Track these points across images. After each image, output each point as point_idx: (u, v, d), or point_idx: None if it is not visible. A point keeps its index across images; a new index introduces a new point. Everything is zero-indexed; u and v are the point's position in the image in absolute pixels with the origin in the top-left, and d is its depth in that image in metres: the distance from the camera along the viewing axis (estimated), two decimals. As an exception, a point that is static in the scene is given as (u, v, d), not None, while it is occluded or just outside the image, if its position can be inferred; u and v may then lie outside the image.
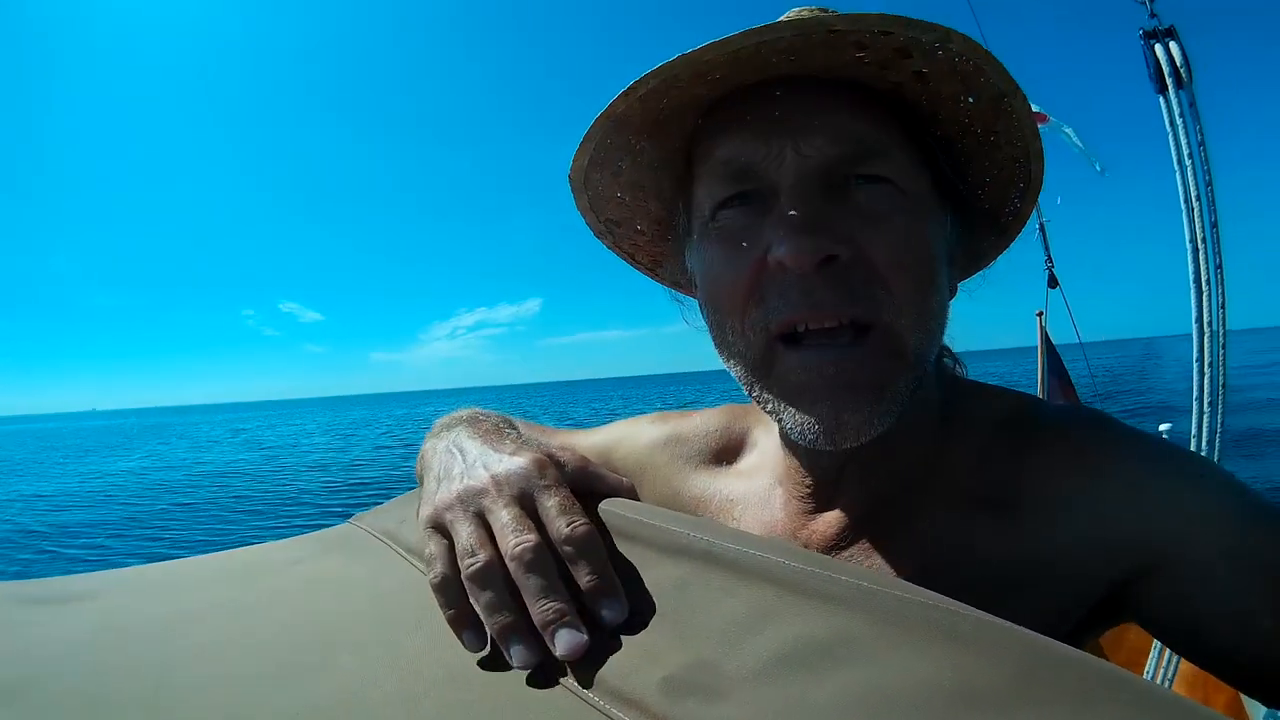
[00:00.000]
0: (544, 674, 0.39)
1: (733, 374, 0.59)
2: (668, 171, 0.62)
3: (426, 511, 0.50)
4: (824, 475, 0.62)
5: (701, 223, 0.57)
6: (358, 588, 0.56)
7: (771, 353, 0.53)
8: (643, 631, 0.40)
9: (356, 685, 0.41)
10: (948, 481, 0.58)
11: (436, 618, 0.46)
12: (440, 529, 0.48)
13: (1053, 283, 4.42)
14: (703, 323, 0.62)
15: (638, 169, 0.62)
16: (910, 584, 0.35)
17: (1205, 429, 1.94)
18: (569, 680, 0.38)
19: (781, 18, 0.51)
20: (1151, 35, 2.32)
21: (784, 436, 0.65)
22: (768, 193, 0.53)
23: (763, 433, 0.74)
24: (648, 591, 0.42)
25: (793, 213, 0.50)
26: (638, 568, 0.44)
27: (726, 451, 0.75)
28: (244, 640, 0.49)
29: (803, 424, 0.52)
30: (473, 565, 0.43)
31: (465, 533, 0.46)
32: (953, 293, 0.60)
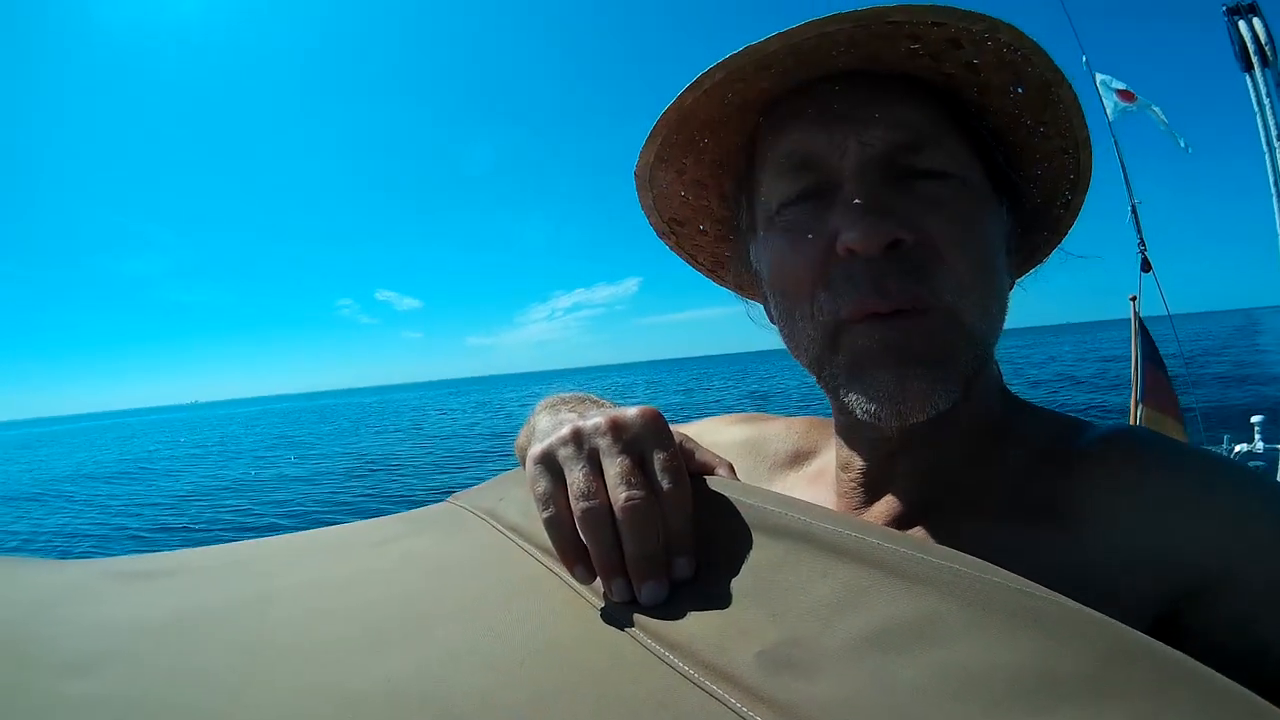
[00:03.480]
0: (641, 649, 0.40)
1: (802, 364, 0.59)
2: (729, 169, 0.64)
3: (539, 448, 0.50)
4: (873, 468, 0.62)
5: (767, 217, 0.58)
6: (454, 563, 0.56)
7: (839, 330, 0.54)
8: (739, 609, 0.40)
9: (451, 655, 0.41)
10: (994, 492, 0.57)
11: (536, 592, 0.47)
12: (551, 465, 0.49)
13: (1146, 267, 4.24)
14: (766, 320, 0.63)
15: (700, 166, 0.64)
16: (998, 568, 0.36)
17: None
18: (666, 654, 0.38)
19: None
20: (1235, 11, 2.26)
21: (839, 426, 0.66)
22: (830, 184, 0.54)
23: (833, 444, 0.73)
24: (745, 569, 0.42)
25: (858, 200, 0.52)
26: (736, 545, 0.44)
27: (799, 458, 0.76)
28: (336, 613, 0.49)
29: (868, 394, 0.53)
30: (586, 508, 0.45)
31: (580, 473, 0.47)
32: (1010, 285, 0.60)
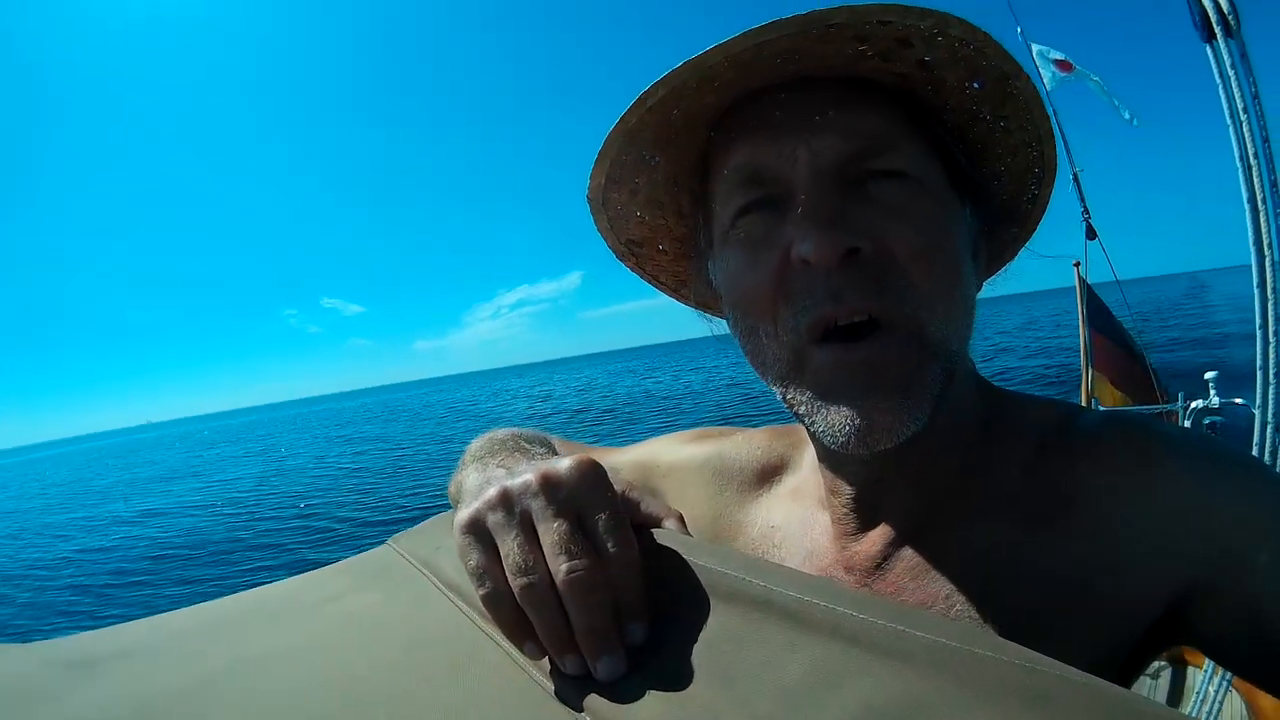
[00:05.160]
0: None
1: (765, 382, 0.58)
2: (684, 187, 0.62)
3: (465, 513, 0.45)
4: (863, 491, 0.61)
5: (722, 232, 0.57)
6: (393, 631, 0.54)
7: (804, 353, 0.53)
8: (699, 690, 0.37)
9: None
10: (993, 494, 0.56)
11: (480, 668, 0.45)
12: (481, 534, 0.44)
13: (1090, 234, 4.31)
14: (728, 333, 0.61)
15: (654, 185, 0.61)
16: (990, 638, 0.33)
17: (1273, 358, 1.86)
18: None
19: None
20: (1195, -22, 2.20)
21: (820, 453, 0.65)
22: (783, 195, 0.52)
23: (804, 454, 0.72)
24: (702, 641, 0.39)
25: (811, 209, 0.50)
26: (690, 612, 0.41)
27: (768, 474, 0.74)
28: (274, 702, 0.47)
29: (834, 425, 0.52)
30: (525, 584, 0.41)
31: (514, 544, 0.42)
32: (977, 288, 0.59)
